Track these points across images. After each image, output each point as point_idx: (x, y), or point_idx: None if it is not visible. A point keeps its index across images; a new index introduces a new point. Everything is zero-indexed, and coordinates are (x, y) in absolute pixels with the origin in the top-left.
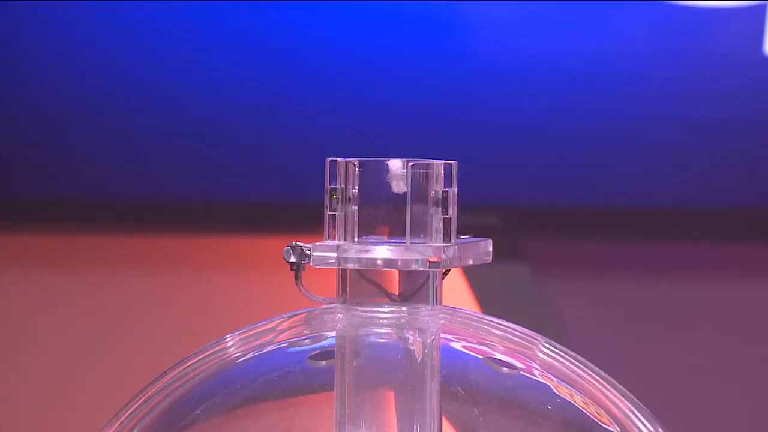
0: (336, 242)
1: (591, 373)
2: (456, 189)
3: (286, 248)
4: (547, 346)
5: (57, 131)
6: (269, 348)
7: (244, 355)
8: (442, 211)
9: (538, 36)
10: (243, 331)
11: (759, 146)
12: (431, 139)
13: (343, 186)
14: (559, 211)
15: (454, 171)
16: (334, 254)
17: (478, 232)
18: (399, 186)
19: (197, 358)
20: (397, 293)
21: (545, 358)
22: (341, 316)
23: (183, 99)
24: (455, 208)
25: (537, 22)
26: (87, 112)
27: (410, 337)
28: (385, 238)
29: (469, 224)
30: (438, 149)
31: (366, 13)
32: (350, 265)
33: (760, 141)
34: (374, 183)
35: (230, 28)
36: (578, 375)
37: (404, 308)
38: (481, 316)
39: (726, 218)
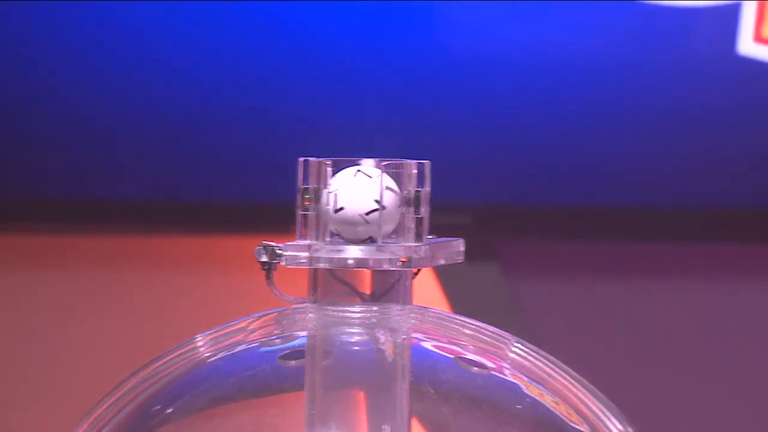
0: (308, 242)
1: (562, 372)
2: (428, 189)
3: (257, 248)
4: (518, 345)
5: (31, 131)
6: (240, 348)
7: (215, 355)
8: (414, 211)
9: (512, 35)
10: (214, 331)
11: (733, 144)
12: (402, 138)
13: (316, 186)
14: (531, 211)
15: (427, 170)
16: (306, 254)
17: (449, 232)
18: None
19: (168, 358)
20: (369, 293)
21: (516, 357)
22: (312, 315)
23: (156, 100)
24: (427, 207)
25: (512, 21)
26: (70, 112)
27: (381, 336)
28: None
29: (439, 224)
30: (408, 148)
31: (346, 12)
32: (322, 265)
33: (733, 139)
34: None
35: (205, 27)
36: (549, 374)
37: (375, 308)
38: (452, 315)
39: (700, 217)
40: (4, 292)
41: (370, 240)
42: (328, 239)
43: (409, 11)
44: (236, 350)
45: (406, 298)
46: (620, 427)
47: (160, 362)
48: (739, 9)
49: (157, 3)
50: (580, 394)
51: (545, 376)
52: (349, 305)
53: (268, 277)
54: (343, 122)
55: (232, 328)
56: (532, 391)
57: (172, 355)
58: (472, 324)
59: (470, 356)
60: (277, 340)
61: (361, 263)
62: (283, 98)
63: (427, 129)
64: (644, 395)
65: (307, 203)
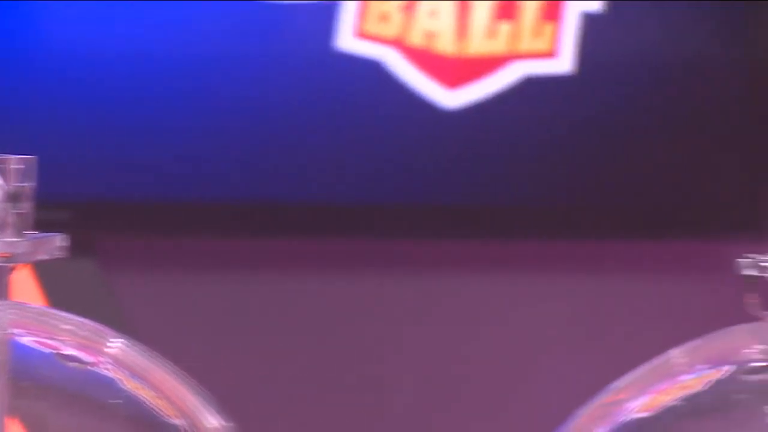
0: None
1: (161, 367)
2: (33, 184)
3: None
4: (117, 341)
5: None
6: None
7: None
8: (16, 206)
9: (114, 31)
10: None
11: (340, 140)
12: (5, 132)
13: None
14: (130, 207)
15: (32, 166)
16: None
17: (46, 227)
18: None
19: None
20: None
21: (115, 352)
22: None
23: None
24: (31, 203)
25: (113, 18)
26: None
27: None
28: None
29: (37, 220)
30: (8, 142)
31: None
32: None
33: (332, 135)
34: None
35: None
36: (148, 369)
37: None
38: (51, 311)
39: (343, 212)
40: None
41: None
42: None
43: (14, 6)
44: None
45: (4, 294)
46: (218, 420)
47: None
48: (337, 6)
49: None
50: (179, 389)
51: (144, 371)
52: None
53: None
54: None
55: None
56: (131, 385)
57: None
58: (71, 320)
59: (69, 351)
60: None
61: None
62: None
63: (29, 124)
64: (243, 390)
65: None
